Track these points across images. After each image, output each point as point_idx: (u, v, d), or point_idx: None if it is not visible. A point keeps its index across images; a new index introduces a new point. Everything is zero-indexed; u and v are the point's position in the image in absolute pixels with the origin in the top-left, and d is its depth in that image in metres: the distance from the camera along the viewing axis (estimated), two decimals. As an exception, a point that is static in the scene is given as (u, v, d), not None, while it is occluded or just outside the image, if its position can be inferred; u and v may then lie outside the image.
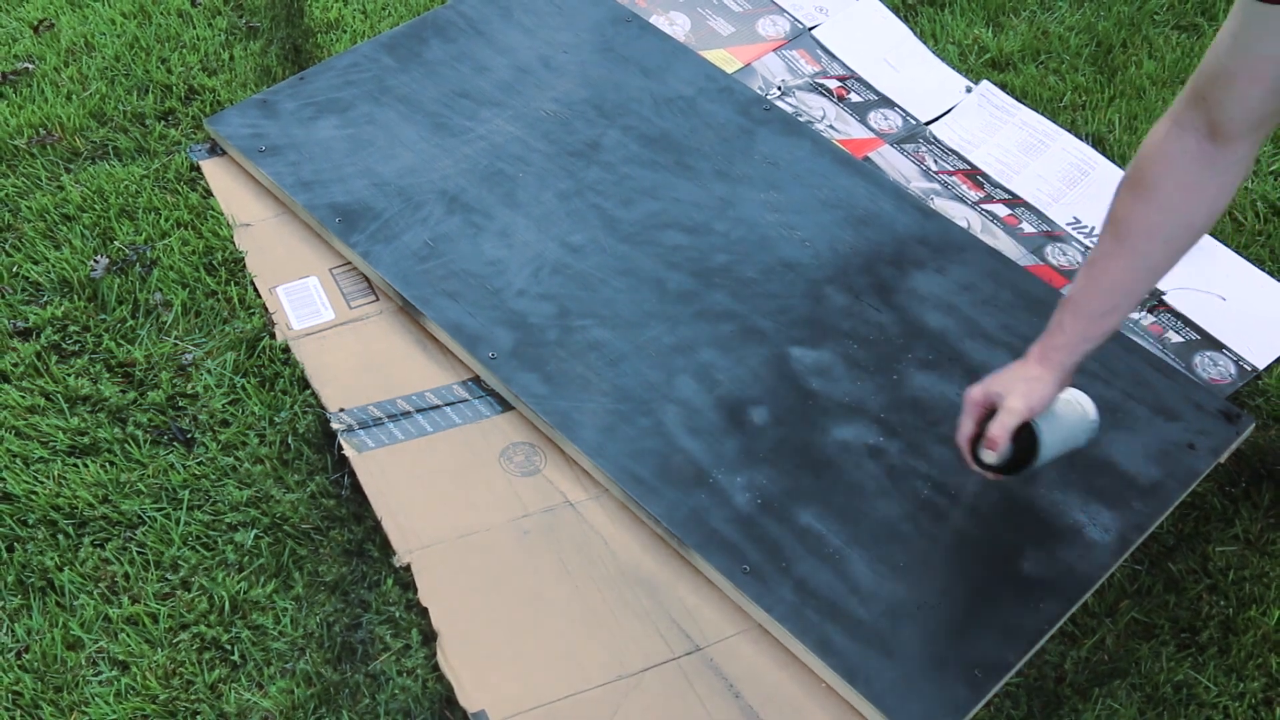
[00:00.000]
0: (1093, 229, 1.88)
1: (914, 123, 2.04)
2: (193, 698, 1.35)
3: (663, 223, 1.80)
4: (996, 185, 1.94)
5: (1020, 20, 2.20)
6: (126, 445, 1.56)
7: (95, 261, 1.75)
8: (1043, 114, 2.02)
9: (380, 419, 1.59)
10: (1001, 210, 1.90)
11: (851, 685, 1.34)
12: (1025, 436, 1.37)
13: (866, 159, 1.96)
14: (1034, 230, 1.88)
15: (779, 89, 2.07)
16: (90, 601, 1.42)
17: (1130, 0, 2.23)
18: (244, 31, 2.14)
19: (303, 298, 1.73)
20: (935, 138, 2.01)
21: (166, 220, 1.81)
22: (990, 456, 1.37)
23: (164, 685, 1.36)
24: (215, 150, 1.93)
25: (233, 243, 1.79)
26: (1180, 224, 1.26)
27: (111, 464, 1.55)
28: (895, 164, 1.96)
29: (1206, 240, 1.81)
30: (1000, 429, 1.34)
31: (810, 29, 2.18)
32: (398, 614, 1.42)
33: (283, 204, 1.84)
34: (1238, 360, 1.71)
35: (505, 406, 1.62)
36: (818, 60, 2.13)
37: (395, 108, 1.94)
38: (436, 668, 1.37)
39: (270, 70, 2.06)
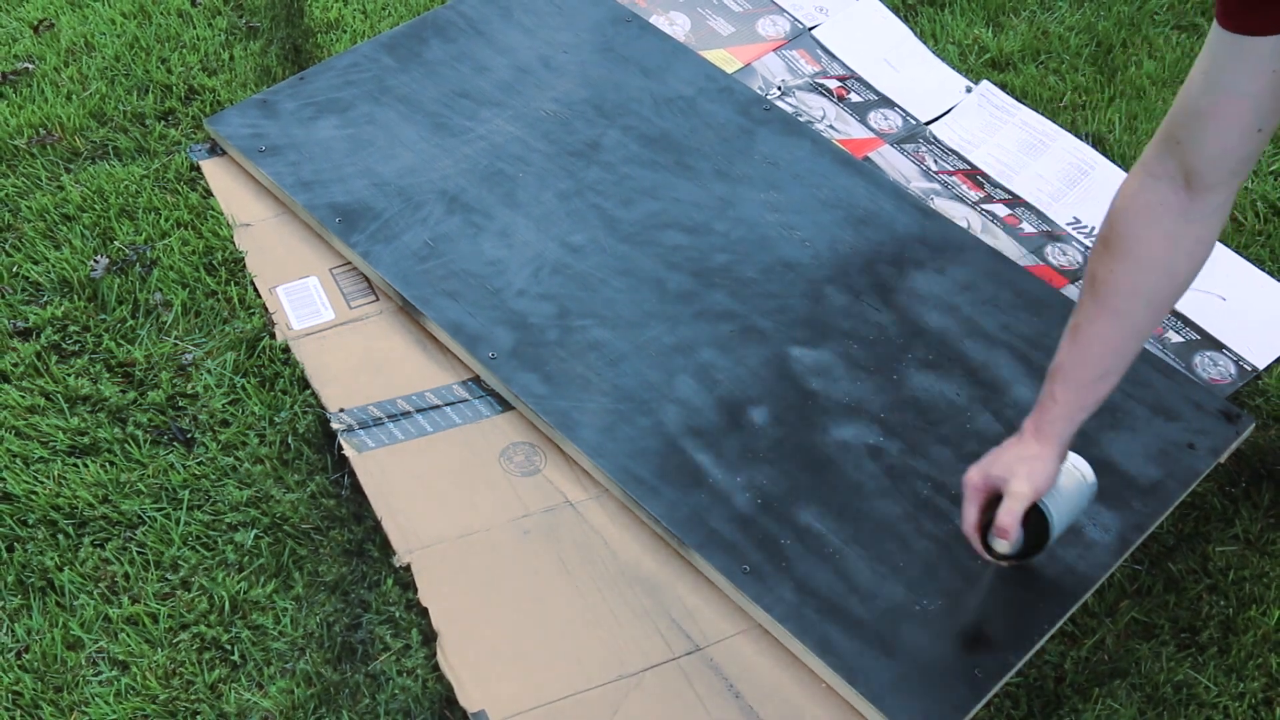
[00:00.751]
0: (1092, 229, 1.87)
1: (914, 123, 2.03)
2: (193, 698, 1.35)
3: (663, 223, 1.80)
4: (996, 185, 1.94)
5: (1020, 20, 2.20)
6: (126, 445, 1.56)
7: (95, 261, 1.75)
8: (1043, 114, 2.02)
9: (380, 419, 1.59)
10: (1001, 210, 1.90)
11: (851, 685, 1.34)
12: (1034, 518, 1.33)
13: (866, 159, 1.96)
14: (1034, 230, 1.88)
15: (779, 89, 2.07)
16: (90, 601, 1.42)
17: (1130, 0, 2.23)
18: (244, 31, 2.14)
19: (303, 298, 1.73)
20: (935, 138, 2.01)
21: (166, 220, 1.81)
22: (1004, 546, 1.32)
23: (164, 685, 1.36)
24: (215, 150, 1.93)
25: (233, 243, 1.79)
26: (1161, 280, 1.20)
27: (111, 464, 1.55)
28: (895, 164, 1.96)
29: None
30: (1010, 517, 1.29)
31: (810, 29, 2.18)
32: (398, 614, 1.42)
33: (283, 204, 1.84)
34: (1238, 360, 1.71)
35: (505, 406, 1.62)
36: (818, 60, 2.13)
37: (395, 108, 1.94)
38: (436, 668, 1.37)
39: (270, 70, 2.06)
